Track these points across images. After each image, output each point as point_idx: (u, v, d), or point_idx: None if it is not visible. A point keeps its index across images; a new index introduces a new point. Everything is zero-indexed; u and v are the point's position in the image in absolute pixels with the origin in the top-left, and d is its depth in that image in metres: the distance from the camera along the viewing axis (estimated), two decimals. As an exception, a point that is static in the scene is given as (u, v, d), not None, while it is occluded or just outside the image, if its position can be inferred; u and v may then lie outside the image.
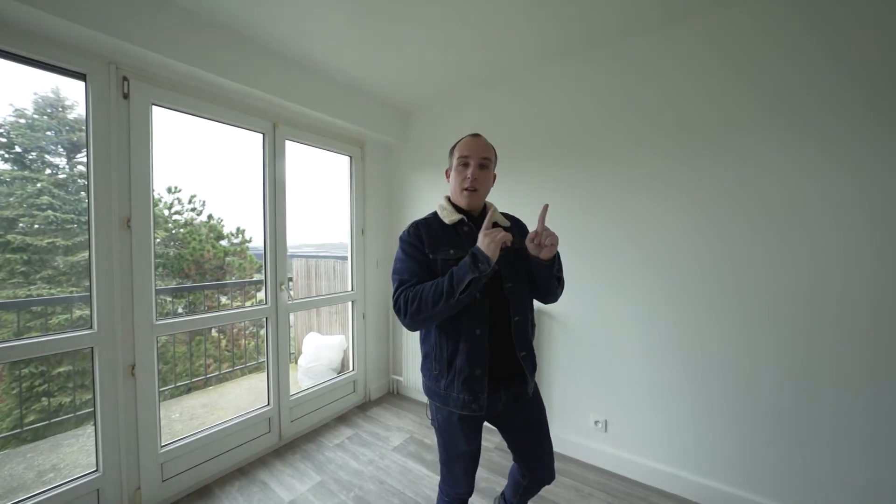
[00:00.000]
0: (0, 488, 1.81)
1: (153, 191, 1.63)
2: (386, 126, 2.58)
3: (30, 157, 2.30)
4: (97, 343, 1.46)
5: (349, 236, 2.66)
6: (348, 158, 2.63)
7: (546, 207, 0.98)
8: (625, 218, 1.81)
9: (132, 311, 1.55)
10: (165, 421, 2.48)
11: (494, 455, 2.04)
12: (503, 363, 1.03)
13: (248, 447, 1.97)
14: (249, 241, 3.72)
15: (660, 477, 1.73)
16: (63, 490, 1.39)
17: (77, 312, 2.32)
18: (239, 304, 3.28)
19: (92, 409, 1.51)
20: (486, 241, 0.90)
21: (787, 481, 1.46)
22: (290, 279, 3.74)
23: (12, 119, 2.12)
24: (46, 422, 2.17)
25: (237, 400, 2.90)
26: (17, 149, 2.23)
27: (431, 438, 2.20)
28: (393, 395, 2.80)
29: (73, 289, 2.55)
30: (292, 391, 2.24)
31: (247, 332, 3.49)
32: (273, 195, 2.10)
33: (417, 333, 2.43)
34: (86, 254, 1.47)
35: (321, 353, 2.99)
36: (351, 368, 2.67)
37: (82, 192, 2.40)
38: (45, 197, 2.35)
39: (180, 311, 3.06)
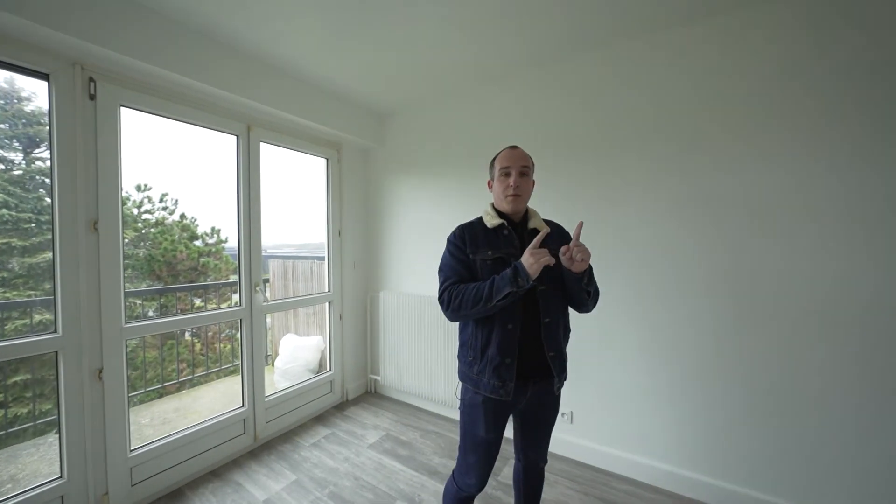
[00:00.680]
0: (-46, 501, 1.74)
1: (122, 193, 1.61)
2: (362, 129, 2.62)
3: (-22, 151, 2.19)
4: (62, 347, 1.44)
5: (326, 238, 2.68)
6: (325, 161, 2.64)
7: (581, 225, 1.04)
8: (607, 219, 1.92)
9: (99, 315, 1.53)
10: (135, 426, 2.43)
11: (467, 449, 2.12)
12: (532, 359, 1.10)
13: (222, 449, 1.97)
14: (225, 241, 3.65)
15: (622, 464, 1.86)
16: (24, 498, 1.36)
17: (37, 317, 2.23)
18: (214, 306, 3.23)
19: (54, 417, 1.48)
20: (531, 261, 0.97)
21: (736, 463, 1.61)
22: (267, 281, 3.71)
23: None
24: (3, 432, 2.08)
25: (212, 403, 2.86)
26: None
27: (407, 435, 2.26)
28: (371, 395, 2.84)
29: (32, 292, 2.44)
30: (268, 392, 2.25)
31: (223, 335, 3.43)
32: (247, 197, 2.10)
33: (408, 330, 2.42)
34: (46, 255, 1.45)
35: (298, 355, 2.99)
36: (328, 369, 2.69)
37: (41, 190, 2.30)
38: (-1, 195, 2.25)
39: (151, 314, 2.98)
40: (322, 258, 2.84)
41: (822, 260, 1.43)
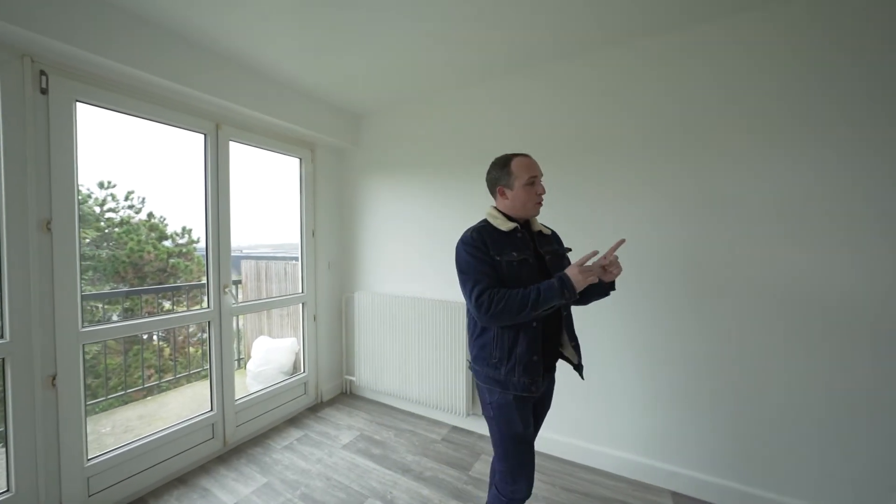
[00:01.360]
0: None
1: (78, 191, 1.55)
2: (337, 129, 2.60)
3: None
4: (9, 353, 1.37)
5: (299, 238, 2.66)
6: (298, 160, 2.62)
7: (622, 242, 1.13)
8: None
9: (53, 319, 1.47)
10: (95, 435, 2.32)
11: (441, 446, 2.15)
12: (552, 352, 1.22)
13: (189, 455, 1.92)
14: (197, 241, 3.53)
15: (584, 454, 1.94)
16: (-32, 512, 1.30)
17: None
18: (184, 309, 3.12)
19: (1, 428, 1.41)
20: (580, 278, 1.02)
21: (687, 449, 1.72)
22: (239, 282, 3.62)
23: None
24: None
25: (180, 409, 2.77)
26: None
27: (381, 435, 2.27)
28: (346, 396, 2.83)
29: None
30: (239, 396, 2.20)
31: (194, 339, 3.32)
32: (216, 196, 2.06)
33: (382, 333, 2.40)
34: (-6, 258, 1.38)
35: (271, 357, 2.94)
36: (302, 371, 2.66)
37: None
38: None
39: (115, 318, 2.85)
40: (296, 259, 2.81)
41: (826, 260, 1.45)
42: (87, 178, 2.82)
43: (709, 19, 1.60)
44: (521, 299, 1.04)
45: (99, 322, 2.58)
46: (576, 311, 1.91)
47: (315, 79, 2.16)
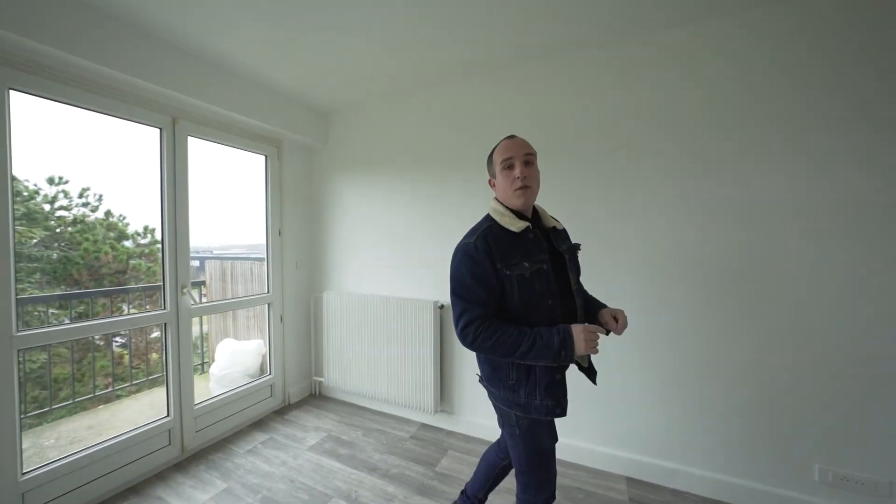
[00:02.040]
0: None
1: (13, 185, 1.45)
2: (305, 127, 2.56)
3: None
4: (-69, 360, 1.27)
5: (265, 237, 2.59)
6: (263, 158, 2.55)
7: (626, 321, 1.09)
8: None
9: (-18, 322, 1.37)
10: (35, 449, 2.17)
11: (409, 443, 2.16)
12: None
13: (143, 463, 1.83)
14: (161, 241, 3.36)
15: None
16: None
17: None
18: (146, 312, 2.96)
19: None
20: (584, 345, 0.90)
21: (639, 436, 1.81)
22: (204, 283, 3.48)
23: None
24: None
25: (137, 417, 2.63)
26: None
27: (349, 435, 2.25)
28: (315, 397, 2.79)
29: None
30: (200, 400, 2.13)
31: (158, 344, 3.16)
32: (173, 193, 1.98)
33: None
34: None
35: (236, 359, 2.85)
36: (268, 373, 2.60)
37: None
38: None
39: (67, 322, 2.68)
40: (263, 259, 2.73)
41: (823, 259, 1.46)
42: (34, 173, 2.64)
43: (720, 13, 1.56)
44: (512, 345, 0.92)
45: (40, 326, 2.42)
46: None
47: (282, 75, 2.12)
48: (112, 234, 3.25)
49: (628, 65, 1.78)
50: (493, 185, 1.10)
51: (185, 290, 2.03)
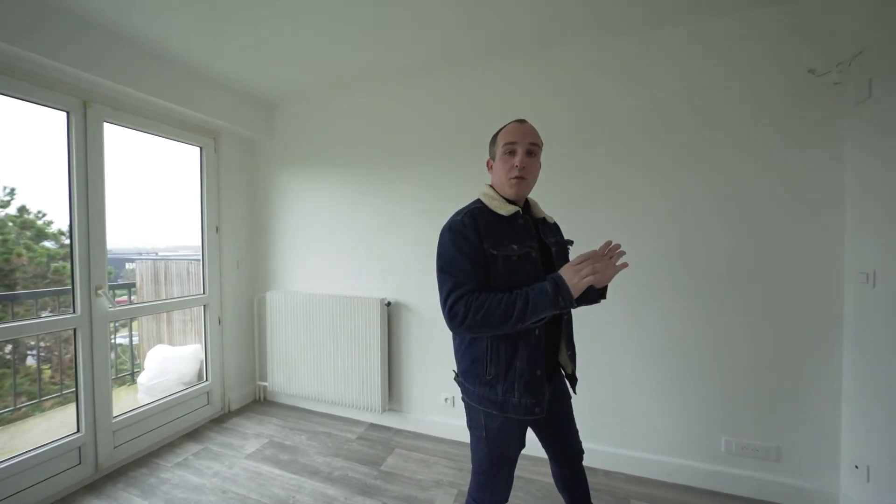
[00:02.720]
0: None
1: None
2: (245, 118, 2.43)
3: None
4: None
5: (200, 234, 2.42)
6: (198, 149, 2.39)
7: (609, 244, 0.95)
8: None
9: None
10: None
11: (355, 444, 2.12)
12: (552, 362, 1.03)
13: (44, 487, 1.63)
14: (69, 236, 3.01)
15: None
16: None
17: None
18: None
19: None
20: (575, 280, 0.83)
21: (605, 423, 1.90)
22: (134, 285, 3.18)
23: None
24: None
25: (44, 436, 2.34)
26: None
27: (293, 439, 2.17)
28: (259, 403, 2.65)
29: None
30: (121, 412, 1.94)
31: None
32: (84, 183, 1.80)
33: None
34: None
35: (170, 367, 2.63)
36: (205, 379, 2.43)
37: None
38: None
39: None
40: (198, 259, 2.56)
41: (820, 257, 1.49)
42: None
43: (718, 12, 1.59)
44: (505, 309, 0.85)
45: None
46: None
47: (217, 61, 1.99)
48: (28, 234, 2.88)
49: (603, 61, 1.79)
50: (489, 168, 1.05)
51: (100, 292, 1.84)
